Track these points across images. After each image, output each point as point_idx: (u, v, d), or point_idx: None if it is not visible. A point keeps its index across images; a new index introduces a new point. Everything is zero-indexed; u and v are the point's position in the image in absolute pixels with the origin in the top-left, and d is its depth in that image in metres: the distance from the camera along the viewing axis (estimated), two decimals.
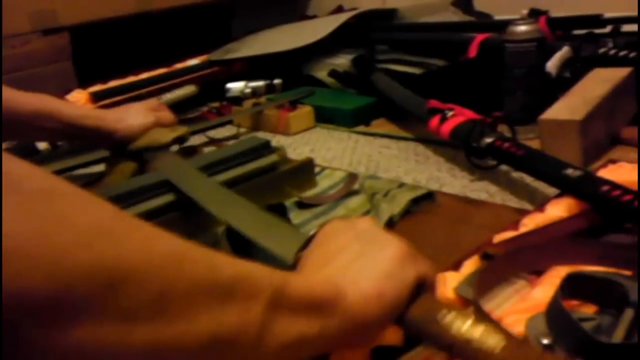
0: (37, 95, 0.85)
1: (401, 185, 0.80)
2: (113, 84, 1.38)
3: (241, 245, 0.63)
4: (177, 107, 1.35)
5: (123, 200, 0.70)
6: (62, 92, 1.39)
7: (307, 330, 0.36)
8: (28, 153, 1.16)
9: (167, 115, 0.97)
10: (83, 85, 1.39)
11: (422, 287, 0.43)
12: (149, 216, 0.71)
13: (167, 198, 0.74)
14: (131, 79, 1.40)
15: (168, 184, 0.74)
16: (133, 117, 0.92)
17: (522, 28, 0.93)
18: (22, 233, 0.23)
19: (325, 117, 1.19)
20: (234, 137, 1.19)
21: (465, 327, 0.40)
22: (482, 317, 0.41)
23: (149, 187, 0.73)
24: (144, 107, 0.95)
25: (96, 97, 1.31)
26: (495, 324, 0.41)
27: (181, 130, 0.96)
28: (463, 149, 0.82)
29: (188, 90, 1.37)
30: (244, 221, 0.62)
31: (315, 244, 0.46)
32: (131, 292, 0.26)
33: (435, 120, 0.89)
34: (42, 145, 1.17)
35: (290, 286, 0.35)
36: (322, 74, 1.37)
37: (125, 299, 0.26)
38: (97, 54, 1.62)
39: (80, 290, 0.24)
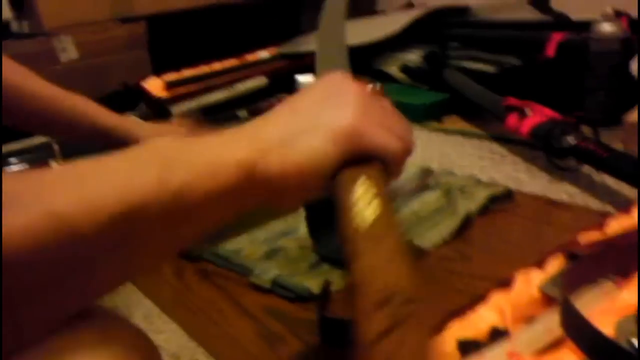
0: (77, 96, 0.84)
1: (478, 182, 0.79)
2: (186, 73, 1.41)
3: (321, 227, 0.64)
4: (247, 97, 1.38)
5: None
6: (137, 80, 1.44)
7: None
8: None
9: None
10: (157, 73, 1.43)
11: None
12: None
13: None
14: (203, 68, 1.43)
15: None
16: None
17: (608, 28, 0.91)
18: None
19: None
20: None
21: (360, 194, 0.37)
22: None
23: None
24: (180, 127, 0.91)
25: (170, 86, 1.34)
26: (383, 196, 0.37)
27: None
28: (543, 149, 0.81)
29: (259, 81, 1.39)
30: None
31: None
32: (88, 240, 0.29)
33: (513, 118, 0.88)
34: None
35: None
36: (392, 69, 1.37)
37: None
38: (172, 43, 1.67)
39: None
